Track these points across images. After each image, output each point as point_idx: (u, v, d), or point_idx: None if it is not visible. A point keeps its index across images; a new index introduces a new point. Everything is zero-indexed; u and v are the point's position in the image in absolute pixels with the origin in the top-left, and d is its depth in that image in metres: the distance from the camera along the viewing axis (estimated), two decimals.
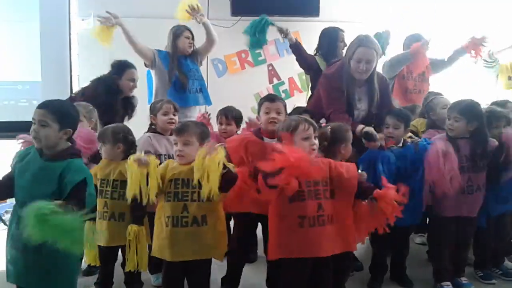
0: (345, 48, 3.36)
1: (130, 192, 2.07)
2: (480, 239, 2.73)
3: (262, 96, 4.89)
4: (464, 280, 2.65)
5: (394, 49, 3.92)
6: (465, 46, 3.74)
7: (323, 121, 2.79)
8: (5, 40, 4.21)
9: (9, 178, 1.98)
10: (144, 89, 3.63)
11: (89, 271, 2.76)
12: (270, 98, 2.52)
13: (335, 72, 2.89)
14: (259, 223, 2.49)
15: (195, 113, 3.52)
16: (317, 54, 3.55)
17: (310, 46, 3.66)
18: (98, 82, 3.22)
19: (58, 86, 4.25)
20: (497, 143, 2.57)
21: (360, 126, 2.63)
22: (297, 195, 2.06)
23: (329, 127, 2.37)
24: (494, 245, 2.77)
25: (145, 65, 3.53)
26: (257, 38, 3.61)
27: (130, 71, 3.27)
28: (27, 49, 4.30)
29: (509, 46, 4.22)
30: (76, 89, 4.47)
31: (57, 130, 1.89)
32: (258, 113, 2.55)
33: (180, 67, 3.45)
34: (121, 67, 3.26)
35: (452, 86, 4.33)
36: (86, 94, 3.11)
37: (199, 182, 2.04)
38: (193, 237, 2.10)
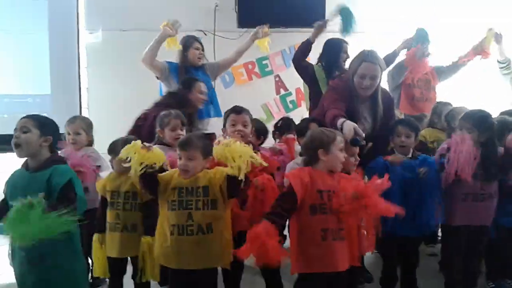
0: (347, 60, 3.38)
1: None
2: (491, 250, 2.70)
3: (270, 107, 5.02)
4: None
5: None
6: (468, 55, 3.75)
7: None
8: (14, 53, 4.27)
9: (3, 201, 2.13)
10: None
11: (93, 283, 2.78)
12: (237, 110, 2.51)
13: (341, 85, 2.82)
14: None
15: (207, 125, 3.48)
16: (318, 64, 3.53)
17: (317, 56, 3.66)
18: (170, 95, 3.25)
19: (67, 98, 4.31)
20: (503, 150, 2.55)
21: (340, 120, 2.44)
22: (319, 208, 2.03)
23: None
24: (506, 255, 2.73)
25: (157, 77, 3.54)
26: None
27: (199, 84, 3.27)
28: (36, 62, 4.36)
29: None
30: (84, 101, 4.53)
31: (38, 135, 2.05)
32: (224, 125, 2.54)
33: None
34: (190, 82, 3.28)
35: (459, 93, 4.30)
36: (159, 107, 3.10)
37: (203, 190, 2.07)
38: (199, 245, 2.09)
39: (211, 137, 2.86)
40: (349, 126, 2.38)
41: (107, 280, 2.62)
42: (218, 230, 2.12)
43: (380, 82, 2.75)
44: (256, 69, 5.02)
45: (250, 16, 4.56)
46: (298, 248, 2.07)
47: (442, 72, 3.86)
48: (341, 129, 2.38)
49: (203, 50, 3.56)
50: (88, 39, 4.54)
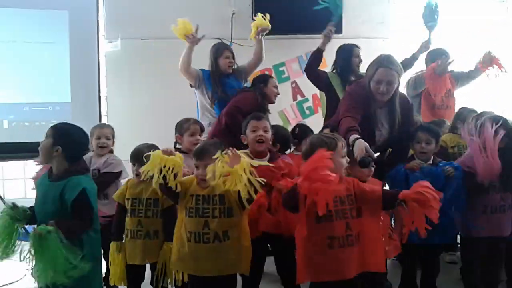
0: (360, 64, 3.37)
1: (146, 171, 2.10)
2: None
3: (287, 113, 5.02)
4: None
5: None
6: (480, 65, 3.73)
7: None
8: (35, 62, 4.34)
9: (31, 206, 2.17)
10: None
11: None
12: (257, 116, 2.52)
13: (357, 91, 2.79)
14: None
15: None
16: (334, 70, 3.55)
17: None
18: (245, 90, 3.44)
19: (86, 107, 4.36)
20: None
21: (353, 137, 2.38)
22: (325, 215, 2.00)
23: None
24: None
25: (190, 85, 3.62)
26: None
27: (272, 80, 3.48)
28: (57, 71, 4.42)
29: None
30: (104, 110, 4.59)
31: (51, 143, 2.06)
32: (244, 132, 2.54)
33: (223, 86, 3.51)
34: (266, 77, 3.50)
35: (478, 99, 4.26)
36: (238, 103, 3.22)
37: (220, 198, 2.08)
38: (216, 253, 2.11)
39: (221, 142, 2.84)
40: (360, 145, 2.32)
41: None
42: (235, 237, 2.13)
43: (398, 87, 2.72)
44: (273, 76, 5.03)
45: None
46: (304, 257, 2.06)
47: (460, 78, 3.83)
48: (352, 146, 2.36)
49: (233, 57, 3.63)
50: (107, 48, 4.60)
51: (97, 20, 4.44)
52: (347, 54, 3.50)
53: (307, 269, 2.05)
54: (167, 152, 2.09)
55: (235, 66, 3.69)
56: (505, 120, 2.51)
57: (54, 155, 2.06)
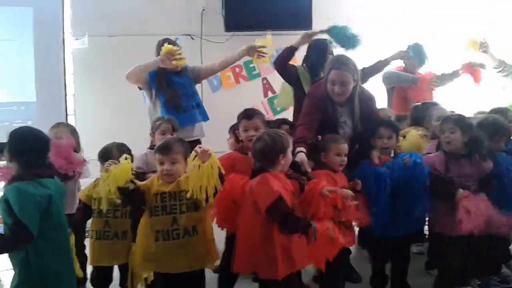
0: None
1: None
2: (477, 249, 2.71)
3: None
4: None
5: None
6: (462, 68, 3.86)
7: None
8: None
9: None
10: None
11: None
12: (248, 115, 2.51)
13: (317, 93, 2.82)
14: None
15: (192, 131, 3.35)
16: (303, 65, 3.52)
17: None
18: None
19: (53, 106, 4.27)
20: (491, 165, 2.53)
21: (297, 150, 2.47)
22: None
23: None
24: (492, 253, 2.76)
25: (139, 88, 3.42)
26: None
27: None
28: (21, 69, 4.32)
29: None
30: (71, 108, 4.49)
31: (6, 150, 2.01)
32: (237, 128, 2.55)
33: (169, 85, 3.25)
34: None
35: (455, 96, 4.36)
36: None
37: (186, 193, 2.08)
38: (186, 248, 2.12)
39: (194, 144, 2.78)
40: (299, 157, 2.41)
41: None
42: (202, 232, 2.16)
43: (356, 85, 2.73)
44: (244, 72, 5.02)
45: (237, 20, 4.57)
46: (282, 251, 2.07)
47: (440, 79, 3.93)
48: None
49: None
50: (74, 45, 4.50)
51: (63, 17, 4.35)
52: (322, 50, 3.41)
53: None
54: (108, 168, 2.11)
55: (191, 67, 3.46)
56: (464, 116, 2.59)
57: (11, 161, 2.01)
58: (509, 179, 2.57)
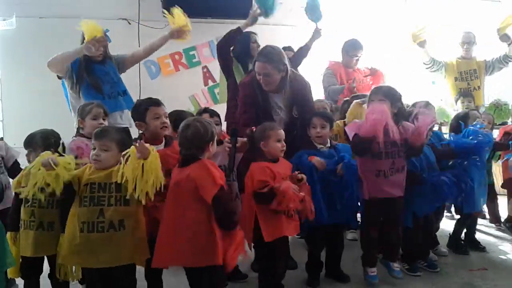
0: (259, 49, 3.38)
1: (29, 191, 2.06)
2: (408, 237, 2.84)
3: (198, 98, 4.97)
4: (396, 267, 2.75)
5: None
6: (365, 73, 4.04)
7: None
8: None
9: None
10: None
11: (6, 285, 2.60)
12: (156, 102, 2.44)
13: (248, 83, 2.90)
14: None
15: (120, 118, 3.21)
16: (233, 57, 3.54)
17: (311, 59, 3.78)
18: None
19: None
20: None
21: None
22: None
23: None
24: (421, 240, 2.90)
25: (58, 77, 3.25)
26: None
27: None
28: None
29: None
30: None
31: None
32: (141, 119, 2.42)
33: (91, 72, 3.12)
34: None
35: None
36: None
37: (116, 186, 2.03)
38: (111, 242, 2.03)
39: (125, 130, 2.70)
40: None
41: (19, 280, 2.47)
42: (130, 227, 2.08)
43: (286, 74, 2.79)
44: (183, 60, 4.96)
45: (175, 5, 4.46)
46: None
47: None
48: (249, 137, 2.50)
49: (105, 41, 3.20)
50: (1, 26, 4.24)
51: None
52: (245, 41, 3.50)
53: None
54: (48, 165, 2.00)
55: (115, 55, 3.32)
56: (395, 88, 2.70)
57: None
58: None
